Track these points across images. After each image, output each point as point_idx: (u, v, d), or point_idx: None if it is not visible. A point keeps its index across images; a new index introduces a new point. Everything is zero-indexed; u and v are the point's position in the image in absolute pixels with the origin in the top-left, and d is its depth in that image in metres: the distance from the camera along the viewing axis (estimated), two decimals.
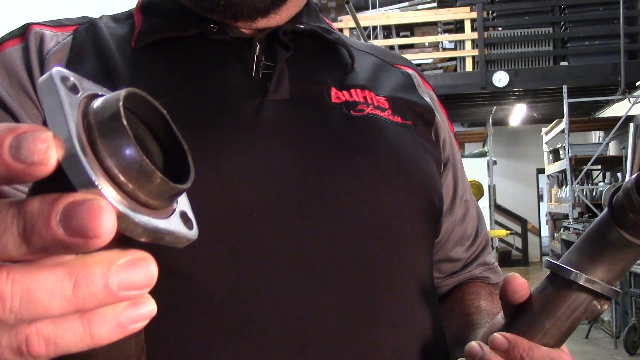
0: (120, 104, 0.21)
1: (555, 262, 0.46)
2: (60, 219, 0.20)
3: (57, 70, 0.21)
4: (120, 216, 0.20)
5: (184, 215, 0.24)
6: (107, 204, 0.20)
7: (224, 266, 0.48)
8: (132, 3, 0.64)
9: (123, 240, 0.21)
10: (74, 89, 0.21)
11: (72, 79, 0.22)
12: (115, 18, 0.64)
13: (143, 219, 0.21)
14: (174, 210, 0.24)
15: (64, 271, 0.20)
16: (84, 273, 0.20)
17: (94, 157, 0.20)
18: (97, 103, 0.22)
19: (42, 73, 0.55)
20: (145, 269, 0.21)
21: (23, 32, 0.58)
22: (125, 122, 0.20)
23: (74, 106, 0.21)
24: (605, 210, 0.44)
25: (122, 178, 0.21)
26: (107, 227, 0.20)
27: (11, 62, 0.56)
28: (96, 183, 0.20)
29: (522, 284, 0.47)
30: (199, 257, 0.48)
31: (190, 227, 0.24)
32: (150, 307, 0.22)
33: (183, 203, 0.25)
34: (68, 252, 0.20)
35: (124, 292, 0.21)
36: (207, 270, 0.48)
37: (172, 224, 0.23)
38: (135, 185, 0.21)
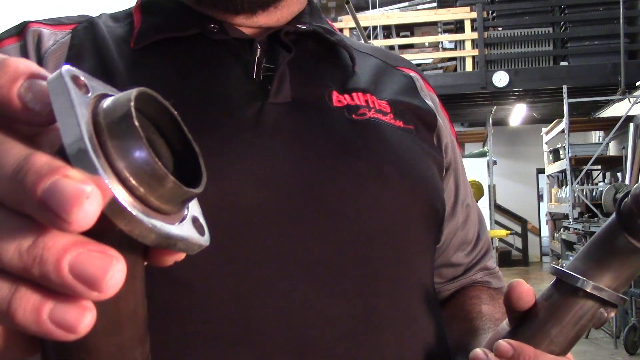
0: (132, 104, 0.20)
1: (561, 268, 0.45)
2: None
3: (67, 68, 0.20)
4: (133, 220, 0.19)
5: (195, 221, 0.24)
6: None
7: (224, 272, 0.47)
8: (131, 1, 0.63)
9: (133, 245, 0.20)
10: (84, 88, 0.20)
11: (82, 77, 0.21)
12: (114, 17, 0.63)
13: (156, 223, 0.20)
14: (185, 216, 0.23)
15: (34, 227, 0.19)
16: (50, 238, 0.19)
17: (104, 159, 0.19)
18: (106, 103, 0.20)
19: None
20: (105, 266, 0.19)
21: (21, 31, 0.57)
22: (137, 124, 0.20)
23: (84, 106, 0.20)
24: (613, 216, 0.43)
25: (133, 181, 0.20)
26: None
27: None
28: (109, 186, 0.19)
29: (527, 291, 0.46)
30: (198, 262, 0.47)
31: (202, 233, 0.23)
32: (84, 323, 0.19)
33: (194, 209, 0.24)
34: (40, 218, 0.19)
35: (70, 280, 0.19)
36: (207, 277, 0.47)
37: (185, 229, 0.22)
38: (147, 189, 0.20)
